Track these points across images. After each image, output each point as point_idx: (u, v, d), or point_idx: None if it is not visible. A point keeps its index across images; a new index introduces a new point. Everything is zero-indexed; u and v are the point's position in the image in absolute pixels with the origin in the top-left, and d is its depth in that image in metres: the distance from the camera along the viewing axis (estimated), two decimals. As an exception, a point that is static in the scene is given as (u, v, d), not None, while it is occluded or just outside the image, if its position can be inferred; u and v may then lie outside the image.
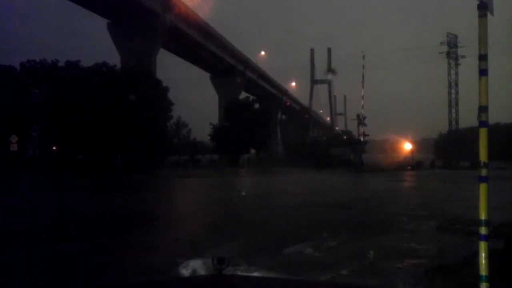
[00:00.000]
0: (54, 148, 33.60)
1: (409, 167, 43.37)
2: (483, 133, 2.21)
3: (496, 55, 31.48)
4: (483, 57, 2.25)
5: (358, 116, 45.64)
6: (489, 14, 2.25)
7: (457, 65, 48.79)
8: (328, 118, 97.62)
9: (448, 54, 48.33)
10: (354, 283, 5.01)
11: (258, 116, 48.12)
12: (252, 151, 52.26)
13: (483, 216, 2.15)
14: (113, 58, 41.35)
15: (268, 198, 15.79)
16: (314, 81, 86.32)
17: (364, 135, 45.75)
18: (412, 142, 50.63)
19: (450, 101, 49.60)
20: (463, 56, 47.59)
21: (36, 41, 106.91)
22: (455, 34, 48.30)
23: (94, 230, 8.65)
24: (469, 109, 43.30)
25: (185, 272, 5.20)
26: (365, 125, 44.76)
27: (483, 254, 2.12)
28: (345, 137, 58.72)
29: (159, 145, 33.54)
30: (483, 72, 2.25)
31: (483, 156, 2.20)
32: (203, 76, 61.11)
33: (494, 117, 35.64)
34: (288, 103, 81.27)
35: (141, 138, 30.53)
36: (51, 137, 32.64)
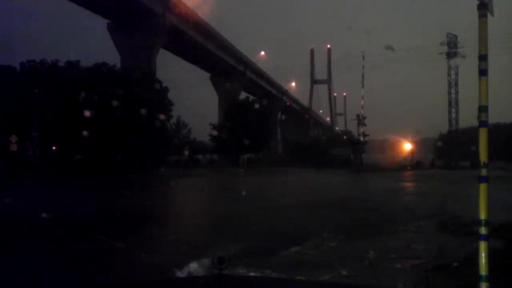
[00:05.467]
0: (54, 148, 33.58)
1: (409, 167, 43.43)
2: (483, 133, 2.21)
3: (496, 55, 31.50)
4: (483, 57, 2.25)
5: (358, 116, 45.63)
6: (489, 14, 2.24)
7: (457, 65, 48.77)
8: (328, 118, 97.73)
9: (448, 54, 48.31)
10: (354, 283, 5.01)
11: (258, 116, 48.08)
12: (252, 151, 52.21)
13: (483, 216, 2.15)
14: (113, 58, 41.36)
15: (268, 198, 15.77)
16: (314, 81, 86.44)
17: (364, 135, 45.73)
18: (412, 142, 50.68)
19: (450, 101, 49.65)
20: (463, 56, 47.59)
21: (36, 41, 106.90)
22: (455, 34, 48.29)
23: (93, 230, 8.64)
24: (469, 109, 43.39)
25: (185, 272, 5.19)
26: (365, 125, 44.75)
27: (483, 254, 2.12)
28: (345, 137, 58.76)
29: (158, 145, 33.51)
30: (483, 72, 2.25)
31: (483, 156, 2.19)
32: (203, 76, 61.13)
33: (494, 117, 35.67)
34: (288, 103, 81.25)
35: (140, 138, 30.50)
36: (51, 137, 32.62)
